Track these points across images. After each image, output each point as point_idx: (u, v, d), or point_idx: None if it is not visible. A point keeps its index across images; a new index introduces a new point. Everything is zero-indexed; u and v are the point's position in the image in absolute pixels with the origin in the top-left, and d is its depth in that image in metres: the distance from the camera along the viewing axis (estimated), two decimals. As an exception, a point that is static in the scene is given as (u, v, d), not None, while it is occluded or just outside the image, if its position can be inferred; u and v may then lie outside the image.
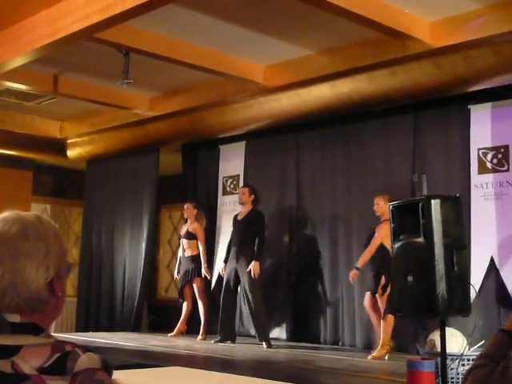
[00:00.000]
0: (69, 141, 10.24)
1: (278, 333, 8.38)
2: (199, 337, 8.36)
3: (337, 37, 6.47)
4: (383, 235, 6.71)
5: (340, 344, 7.86)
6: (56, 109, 9.35)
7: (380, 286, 6.74)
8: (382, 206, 7.05)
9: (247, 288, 7.69)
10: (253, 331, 8.17)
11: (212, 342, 7.89)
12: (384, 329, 6.76)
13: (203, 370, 5.33)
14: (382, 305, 6.83)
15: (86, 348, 1.46)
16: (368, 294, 6.98)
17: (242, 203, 8.09)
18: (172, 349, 7.37)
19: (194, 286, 8.54)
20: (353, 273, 6.92)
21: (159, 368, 4.67)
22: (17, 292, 1.47)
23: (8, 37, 6.37)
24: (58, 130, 10.18)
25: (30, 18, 6.08)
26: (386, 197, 7.06)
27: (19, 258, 1.48)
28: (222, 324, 7.97)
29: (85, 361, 1.42)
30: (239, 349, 7.51)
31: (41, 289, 1.49)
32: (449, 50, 6.06)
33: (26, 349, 1.41)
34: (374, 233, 7.08)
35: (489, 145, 6.90)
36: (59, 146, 10.28)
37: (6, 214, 1.57)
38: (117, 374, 1.78)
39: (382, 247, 6.84)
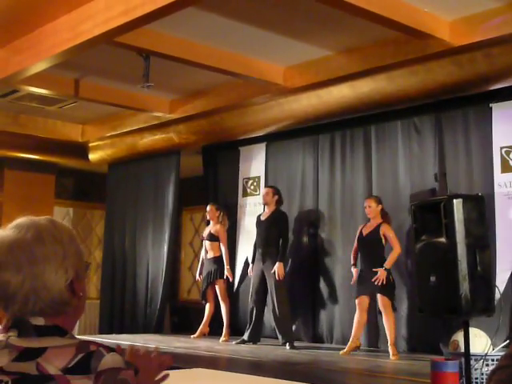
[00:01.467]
0: (90, 144, 10.31)
1: (301, 334, 8.37)
2: (222, 338, 8.38)
3: (356, 37, 6.45)
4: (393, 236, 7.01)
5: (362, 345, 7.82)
6: (77, 113, 9.42)
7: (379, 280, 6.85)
8: (374, 209, 7.13)
9: (272, 289, 7.71)
10: (274, 332, 8.18)
11: (233, 343, 7.90)
12: (391, 328, 6.86)
13: (226, 372, 5.34)
14: (384, 304, 6.86)
15: (111, 348, 1.48)
16: (367, 297, 7.05)
17: (265, 203, 8.10)
18: (194, 350, 7.39)
19: (217, 287, 8.56)
20: (383, 274, 6.91)
21: (182, 370, 4.68)
22: (39, 297, 1.48)
23: (29, 42, 6.42)
24: (80, 133, 10.25)
25: (50, 23, 6.13)
26: (375, 199, 7.17)
27: (37, 263, 1.50)
28: (250, 325, 7.97)
29: (109, 360, 1.44)
30: (262, 350, 7.51)
31: (62, 291, 1.51)
32: (469, 48, 6.02)
33: (51, 350, 1.42)
34: (361, 234, 7.26)
35: None
36: (81, 150, 10.36)
37: (19, 220, 1.59)
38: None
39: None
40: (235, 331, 8.71)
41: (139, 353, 1.79)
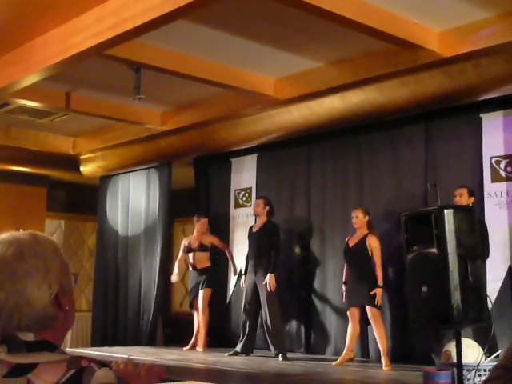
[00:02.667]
0: (82, 157, 10.30)
1: (293, 346, 8.36)
2: (198, 348, 8.40)
3: (346, 48, 6.48)
4: (378, 247, 7.01)
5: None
6: (69, 125, 9.42)
7: (376, 299, 6.86)
8: (361, 219, 7.14)
9: (264, 301, 7.69)
10: (266, 344, 8.17)
11: (226, 355, 7.87)
12: (383, 339, 6.87)
13: (218, 384, 5.32)
14: (373, 315, 6.86)
15: (103, 363, 1.47)
16: (357, 308, 7.06)
17: (256, 215, 8.08)
18: (187, 363, 7.36)
19: (200, 294, 8.53)
20: (380, 293, 6.91)
21: (174, 383, 4.67)
22: (23, 313, 1.48)
23: (20, 55, 6.43)
24: (71, 146, 10.24)
25: (41, 37, 6.13)
26: (363, 209, 7.18)
27: (19, 279, 1.49)
28: (243, 337, 7.95)
29: (100, 376, 1.43)
30: (255, 362, 7.49)
31: (46, 306, 1.50)
32: (459, 59, 6.05)
33: (42, 366, 1.41)
34: (347, 245, 7.26)
35: (502, 153, 6.88)
36: (72, 162, 10.34)
37: (2, 236, 1.58)
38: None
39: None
40: (228, 343, 8.70)
41: (132, 366, 1.77)
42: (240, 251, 8.90)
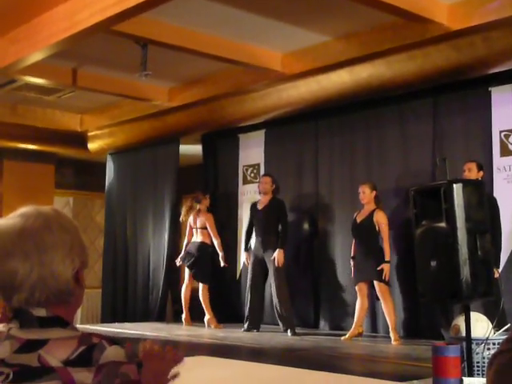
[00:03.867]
0: (89, 134, 10.30)
1: (302, 321, 8.39)
2: (184, 323, 8.55)
3: (354, 22, 6.44)
4: (385, 223, 7.02)
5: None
6: (76, 102, 9.41)
7: (383, 274, 6.87)
8: (368, 195, 7.13)
9: (273, 277, 7.72)
10: (274, 319, 8.22)
11: (241, 330, 7.91)
12: (391, 314, 6.90)
13: (228, 359, 5.36)
14: (381, 291, 6.88)
15: (114, 341, 1.47)
16: (365, 283, 7.09)
17: (264, 192, 8.05)
18: (197, 338, 7.41)
19: (200, 290, 8.50)
20: (387, 268, 6.92)
21: (185, 358, 4.70)
22: (47, 286, 1.47)
23: (26, 32, 6.40)
24: (79, 123, 10.25)
25: (47, 13, 6.11)
26: (370, 185, 7.16)
27: (46, 250, 1.49)
28: (250, 313, 7.99)
29: (111, 353, 1.43)
30: (264, 337, 7.53)
31: (69, 280, 1.51)
32: (468, 32, 6.00)
33: (53, 342, 1.42)
34: (355, 221, 7.25)
35: (511, 127, 6.83)
36: (80, 139, 10.35)
37: (24, 209, 1.57)
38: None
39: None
40: (238, 318, 8.76)
41: (153, 349, 1.74)
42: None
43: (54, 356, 1.40)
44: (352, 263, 7.26)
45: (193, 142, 9.84)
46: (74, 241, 1.55)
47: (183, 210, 8.74)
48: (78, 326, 8.37)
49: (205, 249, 8.54)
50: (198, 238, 8.60)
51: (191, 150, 9.95)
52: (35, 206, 1.59)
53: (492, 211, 5.99)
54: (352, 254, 7.28)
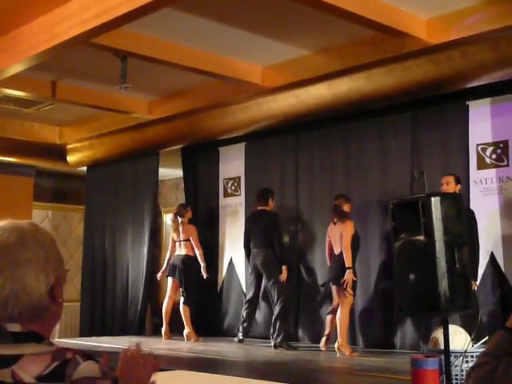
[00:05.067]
0: (68, 146, 10.24)
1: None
2: (164, 337, 8.53)
3: (333, 36, 6.47)
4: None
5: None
6: (55, 115, 9.37)
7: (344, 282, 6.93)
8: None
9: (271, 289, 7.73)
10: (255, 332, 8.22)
11: (236, 340, 7.91)
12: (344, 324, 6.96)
13: (207, 374, 5.33)
14: (339, 298, 6.97)
15: (89, 356, 1.45)
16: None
17: (269, 208, 8.05)
18: (176, 352, 7.37)
19: (181, 310, 8.47)
20: (350, 274, 6.95)
21: (163, 372, 4.68)
22: (19, 301, 1.46)
23: (5, 44, 6.37)
24: (58, 135, 10.20)
25: (26, 25, 6.08)
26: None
27: (19, 266, 1.48)
28: (245, 323, 7.96)
29: (84, 369, 1.41)
30: (244, 350, 7.51)
31: (42, 296, 1.49)
32: (446, 46, 6.05)
33: (27, 358, 1.40)
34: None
35: (488, 140, 6.90)
36: (59, 152, 10.28)
37: (0, 223, 1.57)
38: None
39: None
40: (218, 331, 8.75)
41: (139, 355, 1.72)
42: (230, 239, 8.93)
43: (27, 372, 1.39)
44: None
45: (172, 154, 9.83)
46: (50, 256, 1.53)
47: (172, 228, 8.72)
48: (56, 339, 8.30)
49: (190, 261, 8.52)
50: (182, 250, 8.59)
51: (171, 162, 9.92)
52: (12, 221, 1.58)
53: (470, 224, 6.03)
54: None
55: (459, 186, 6.52)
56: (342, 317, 6.96)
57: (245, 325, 7.96)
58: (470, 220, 6.21)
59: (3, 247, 1.49)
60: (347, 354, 6.86)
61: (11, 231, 1.53)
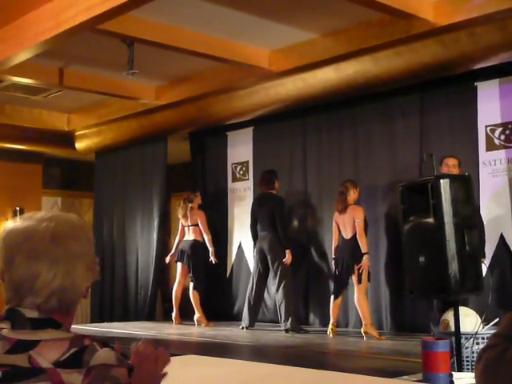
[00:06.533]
0: (77, 133, 10.26)
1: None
2: (174, 322, 8.56)
3: (340, 19, 6.44)
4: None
5: (350, 327, 7.86)
6: (63, 101, 9.37)
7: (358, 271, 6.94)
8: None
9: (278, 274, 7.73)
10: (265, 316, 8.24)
11: (240, 328, 7.88)
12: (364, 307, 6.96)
13: (218, 358, 5.36)
14: (355, 283, 7.00)
15: (106, 343, 1.46)
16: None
17: (276, 191, 8.05)
18: (187, 336, 7.41)
19: (191, 296, 8.46)
20: (367, 260, 6.96)
21: (174, 357, 4.71)
22: (64, 295, 1.47)
23: (12, 31, 6.36)
24: (66, 122, 10.20)
25: (33, 12, 6.07)
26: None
27: (73, 259, 1.48)
28: (252, 309, 7.96)
29: (101, 356, 1.42)
30: (254, 335, 7.54)
31: (82, 293, 1.51)
32: (453, 27, 6.02)
33: (45, 343, 1.41)
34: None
35: (496, 121, 6.88)
36: (67, 139, 10.31)
37: (50, 213, 1.55)
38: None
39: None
40: (228, 316, 8.78)
41: (147, 351, 1.70)
42: (239, 224, 8.94)
43: (45, 357, 1.40)
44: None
45: (181, 139, 9.83)
46: (93, 253, 1.55)
47: (180, 214, 8.73)
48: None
49: (198, 247, 8.54)
50: (190, 236, 8.61)
51: (179, 147, 9.93)
52: (60, 212, 1.58)
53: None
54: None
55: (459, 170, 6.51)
56: (359, 301, 6.95)
57: (250, 311, 7.95)
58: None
59: (59, 239, 1.48)
60: (375, 337, 6.84)
61: (65, 223, 1.52)
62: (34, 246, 1.47)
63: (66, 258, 1.47)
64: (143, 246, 9.86)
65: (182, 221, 8.73)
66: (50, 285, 1.46)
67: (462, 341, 4.36)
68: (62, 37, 6.01)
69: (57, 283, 1.46)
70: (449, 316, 4.60)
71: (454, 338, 4.33)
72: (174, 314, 8.67)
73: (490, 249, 6.53)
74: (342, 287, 7.21)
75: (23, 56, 6.57)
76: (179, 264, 8.68)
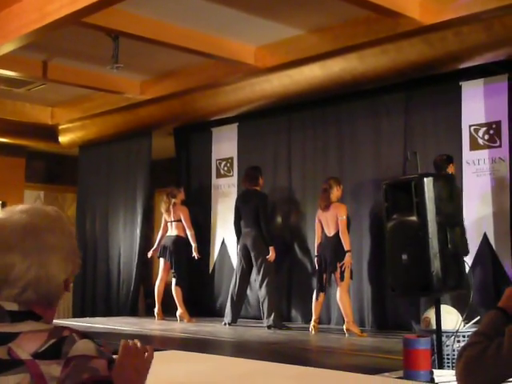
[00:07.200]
0: (60, 127, 10.20)
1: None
2: (157, 317, 8.53)
3: (327, 16, 6.44)
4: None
5: (332, 324, 7.87)
6: (46, 95, 9.31)
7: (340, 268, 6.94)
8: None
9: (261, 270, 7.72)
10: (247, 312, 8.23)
11: (223, 324, 7.86)
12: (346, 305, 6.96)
13: (200, 354, 5.35)
14: (337, 281, 7.01)
15: (85, 335, 1.46)
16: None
17: (260, 187, 8.02)
18: (169, 332, 7.39)
19: (174, 292, 8.44)
20: (349, 258, 6.97)
21: (156, 352, 4.69)
22: (39, 286, 1.46)
23: (-4, 23, 6.31)
24: (49, 116, 10.14)
25: (17, 4, 6.02)
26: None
27: (46, 251, 1.48)
28: (235, 305, 7.94)
29: (80, 347, 1.42)
30: (237, 331, 7.53)
31: (60, 284, 1.50)
32: (439, 26, 6.04)
33: (24, 335, 1.41)
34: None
35: (480, 121, 6.91)
36: (51, 132, 10.25)
37: (28, 206, 1.56)
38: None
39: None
40: (211, 312, 8.77)
41: (140, 346, 1.67)
42: (223, 220, 8.93)
43: (24, 349, 1.39)
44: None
45: (165, 135, 9.80)
46: (72, 245, 1.54)
47: (163, 208, 8.70)
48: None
49: (181, 242, 8.52)
50: (173, 231, 8.58)
51: (164, 143, 9.90)
52: (38, 205, 1.58)
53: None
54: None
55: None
56: (342, 299, 6.96)
57: (233, 308, 7.93)
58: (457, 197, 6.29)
59: (31, 230, 1.49)
60: (357, 334, 6.85)
61: (41, 216, 1.52)
62: (6, 237, 1.48)
63: (38, 250, 1.47)
64: (126, 241, 9.82)
65: (165, 216, 8.70)
66: (24, 276, 1.46)
67: (443, 338, 4.38)
68: (46, 29, 5.96)
69: (31, 274, 1.46)
70: (430, 314, 4.62)
71: (435, 336, 4.34)
72: (156, 310, 8.65)
73: (472, 248, 6.55)
74: (324, 284, 7.20)
75: (7, 48, 6.52)
76: (162, 260, 8.66)
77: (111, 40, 6.69)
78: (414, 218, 4.43)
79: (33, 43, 6.50)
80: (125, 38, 6.64)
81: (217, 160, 9.38)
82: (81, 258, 1.61)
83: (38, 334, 1.42)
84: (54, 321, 1.55)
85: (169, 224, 8.64)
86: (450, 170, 6.46)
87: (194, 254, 8.41)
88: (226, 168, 9.28)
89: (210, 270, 9.14)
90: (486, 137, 6.85)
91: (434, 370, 4.03)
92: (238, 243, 8.09)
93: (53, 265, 1.48)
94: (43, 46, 7.18)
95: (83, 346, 1.42)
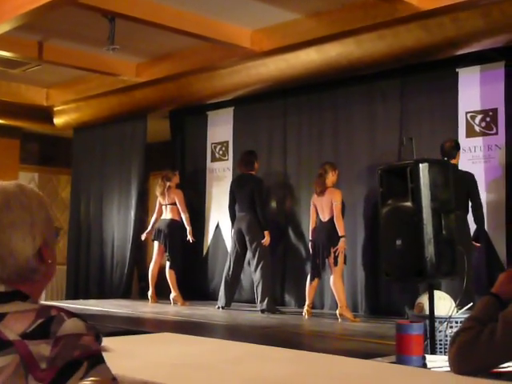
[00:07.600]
0: (55, 108, 10.16)
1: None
2: (150, 300, 8.53)
3: (324, 0, 6.41)
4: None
5: (326, 308, 7.89)
6: (41, 76, 9.26)
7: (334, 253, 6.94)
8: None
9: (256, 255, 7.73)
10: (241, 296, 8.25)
11: (216, 307, 7.87)
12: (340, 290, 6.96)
13: (193, 336, 5.36)
14: (331, 266, 7.01)
15: (73, 313, 1.45)
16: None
17: (254, 171, 8.01)
18: (163, 315, 7.40)
19: (167, 275, 8.45)
20: (343, 243, 6.96)
21: (149, 334, 4.69)
22: (5, 264, 1.46)
23: (-9, 3, 6.27)
24: (44, 97, 10.10)
25: (12, -16, 5.99)
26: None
27: (4, 229, 1.46)
28: (229, 289, 7.94)
29: (69, 325, 1.41)
30: (230, 314, 7.55)
31: (29, 258, 1.48)
32: (437, 12, 6.02)
33: (11, 315, 1.40)
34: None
35: (477, 108, 6.90)
36: (46, 114, 10.20)
37: None
38: (106, 341, 1.77)
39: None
40: (204, 296, 8.78)
41: None
42: (217, 204, 8.92)
43: (12, 329, 1.38)
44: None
45: (161, 118, 9.77)
46: (36, 218, 1.52)
47: (158, 191, 8.68)
48: (42, 302, 8.31)
49: (175, 226, 8.51)
50: (167, 215, 8.57)
51: (159, 126, 9.87)
52: (7, 182, 1.56)
53: (470, 186, 6.16)
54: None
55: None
56: (335, 284, 6.96)
57: (227, 291, 7.95)
58: (470, 182, 6.29)
59: None
60: (350, 319, 6.87)
61: None
62: None
63: None
64: (120, 223, 9.82)
65: (159, 199, 8.69)
66: None
67: (436, 324, 4.39)
68: (41, 10, 5.93)
69: None
70: (423, 299, 4.63)
71: (428, 321, 4.35)
72: (150, 293, 8.66)
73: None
74: (318, 269, 7.20)
75: (2, 29, 6.49)
76: (156, 243, 8.65)
77: (107, 21, 6.66)
78: (408, 204, 4.42)
79: (28, 24, 6.47)
80: (121, 20, 6.60)
81: (212, 144, 9.36)
82: (53, 226, 1.58)
83: (25, 314, 1.41)
84: (48, 303, 1.54)
85: (163, 207, 8.63)
86: (458, 156, 6.46)
87: (189, 238, 8.41)
88: (221, 152, 9.26)
89: (204, 254, 9.15)
90: (483, 124, 6.85)
91: (426, 356, 4.03)
92: (232, 227, 8.09)
93: (13, 241, 1.47)
94: (39, 27, 7.14)
95: (72, 325, 1.42)
